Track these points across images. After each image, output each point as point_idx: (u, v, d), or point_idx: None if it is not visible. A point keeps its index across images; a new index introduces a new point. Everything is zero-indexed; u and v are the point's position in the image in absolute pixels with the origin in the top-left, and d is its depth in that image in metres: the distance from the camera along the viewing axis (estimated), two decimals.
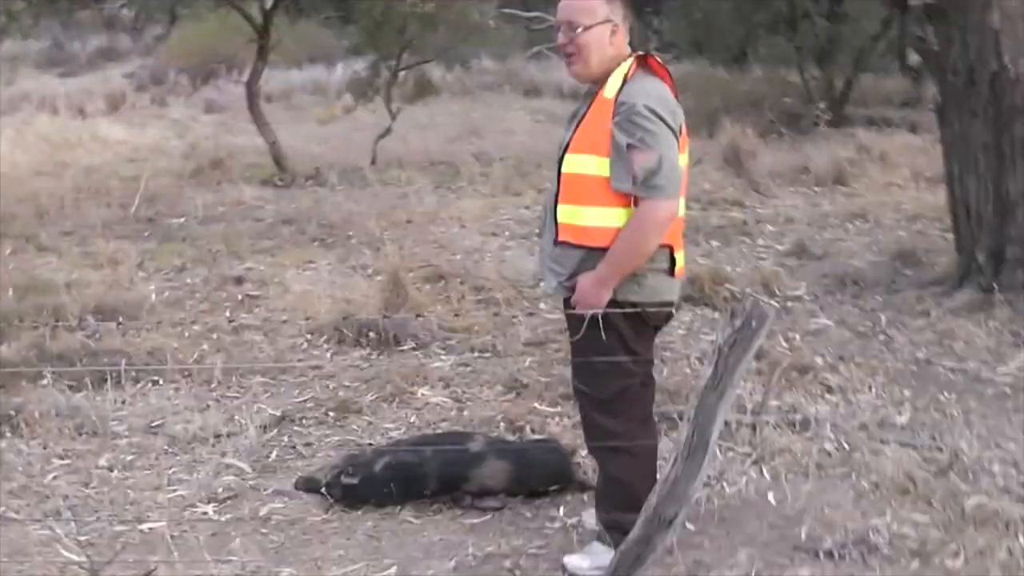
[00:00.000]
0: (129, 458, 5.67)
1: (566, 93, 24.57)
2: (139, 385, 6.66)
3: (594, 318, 4.27)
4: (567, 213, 4.31)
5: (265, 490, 5.31)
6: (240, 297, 8.58)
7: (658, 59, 4.35)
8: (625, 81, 4.23)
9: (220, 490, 5.29)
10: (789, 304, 8.48)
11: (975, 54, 7.97)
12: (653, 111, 4.11)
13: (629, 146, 4.10)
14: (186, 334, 7.68)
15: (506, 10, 17.59)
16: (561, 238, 4.34)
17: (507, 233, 10.80)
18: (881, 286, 8.88)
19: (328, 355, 7.27)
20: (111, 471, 5.52)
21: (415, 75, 15.94)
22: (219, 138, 17.62)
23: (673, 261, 4.34)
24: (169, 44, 30.67)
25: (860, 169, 13.81)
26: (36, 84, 25.30)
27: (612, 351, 4.34)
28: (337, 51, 27.50)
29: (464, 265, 9.32)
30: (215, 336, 7.64)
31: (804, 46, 19.35)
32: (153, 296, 8.56)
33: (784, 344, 7.43)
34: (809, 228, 11.03)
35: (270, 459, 5.66)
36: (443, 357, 7.23)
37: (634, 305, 4.27)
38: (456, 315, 8.03)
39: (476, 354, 7.29)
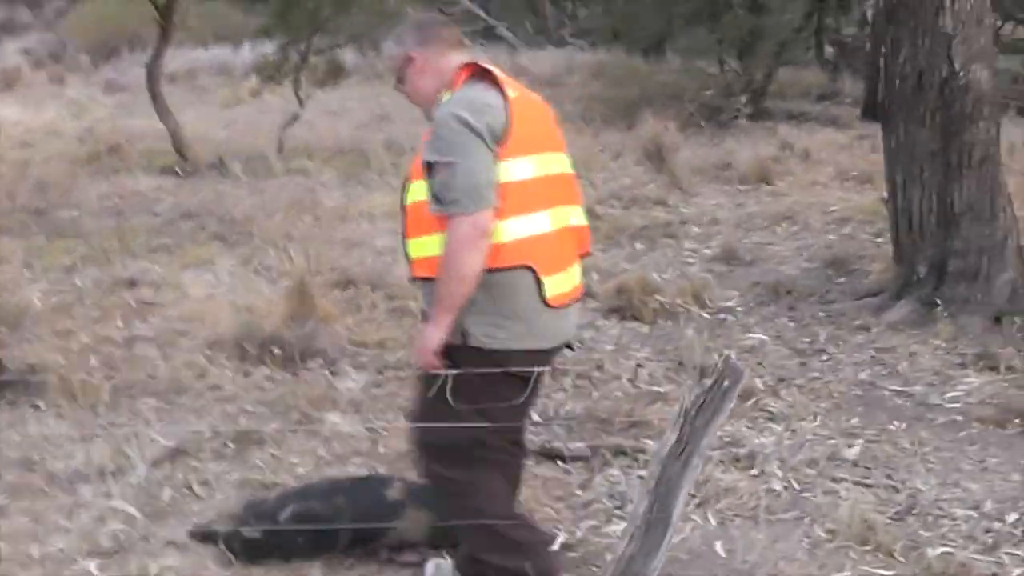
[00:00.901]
0: (2, 501, 5.02)
1: None
2: (16, 411, 5.99)
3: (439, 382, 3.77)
4: (414, 247, 3.87)
5: (155, 540, 4.68)
6: (134, 303, 7.91)
7: (488, 65, 3.86)
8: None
9: (104, 541, 4.63)
10: (721, 316, 8.03)
11: (925, 58, 7.59)
12: (457, 117, 3.67)
13: (427, 164, 3.68)
14: (73, 347, 7.01)
15: None
16: (415, 274, 3.92)
17: None
18: (815, 296, 8.47)
19: (229, 374, 6.63)
20: None
21: (326, 59, 15.28)
22: (118, 121, 16.87)
23: (540, 286, 3.75)
24: (70, 18, 29.80)
25: (784, 166, 13.45)
26: None
27: (462, 417, 3.78)
28: (244, 31, 26.79)
29: (375, 268, 8.70)
30: (105, 350, 6.98)
31: (726, 37, 18.94)
32: (38, 302, 7.89)
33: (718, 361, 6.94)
34: (736, 230, 10.59)
35: (162, 501, 5.02)
36: (354, 377, 6.62)
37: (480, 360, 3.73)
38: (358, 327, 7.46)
39: (390, 373, 6.71)
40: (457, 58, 3.94)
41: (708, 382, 3.22)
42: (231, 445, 5.60)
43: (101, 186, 11.87)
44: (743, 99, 18.38)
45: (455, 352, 3.75)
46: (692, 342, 7.08)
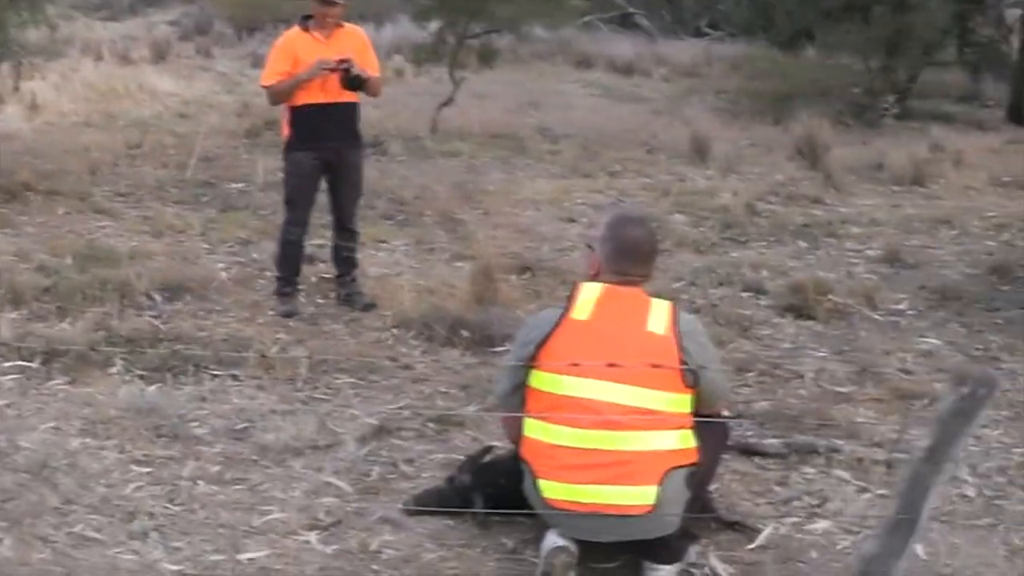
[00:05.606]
0: (215, 469, 5.13)
1: (618, 66, 24.13)
2: (217, 380, 6.17)
3: None
4: None
5: (371, 516, 4.78)
6: (313, 279, 8.08)
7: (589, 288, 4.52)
8: None
9: (321, 514, 4.74)
10: (892, 319, 7.98)
11: None
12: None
13: None
14: (259, 320, 7.21)
15: None
16: None
17: (584, 220, 10.28)
18: (981, 303, 8.36)
19: (418, 354, 6.77)
20: (197, 483, 5.01)
21: (480, 43, 15.41)
22: None
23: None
24: None
25: (936, 169, 13.32)
26: (79, 27, 24.78)
27: None
28: (385, 9, 26.98)
29: (549, 255, 8.82)
30: (292, 324, 7.17)
31: (873, 35, 18.71)
32: (222, 273, 8.10)
33: (897, 365, 6.94)
34: (896, 233, 10.48)
35: (371, 478, 5.14)
36: None
37: None
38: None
39: None
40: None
41: (965, 389, 3.25)
42: (431, 425, 5.72)
43: (265, 160, 11.91)
44: (891, 98, 18.22)
45: None
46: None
